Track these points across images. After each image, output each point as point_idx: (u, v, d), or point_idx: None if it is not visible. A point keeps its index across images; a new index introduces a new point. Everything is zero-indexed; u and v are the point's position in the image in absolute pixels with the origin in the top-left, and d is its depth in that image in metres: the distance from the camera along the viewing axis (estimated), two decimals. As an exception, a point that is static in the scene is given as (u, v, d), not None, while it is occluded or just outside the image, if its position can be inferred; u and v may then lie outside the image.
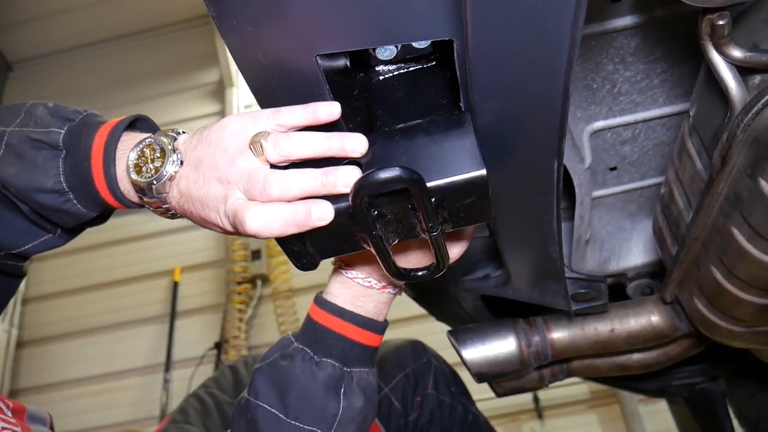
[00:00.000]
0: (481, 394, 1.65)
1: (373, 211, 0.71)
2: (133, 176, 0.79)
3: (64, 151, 0.83)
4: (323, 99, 0.73)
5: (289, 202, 0.71)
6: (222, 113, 5.92)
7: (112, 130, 0.83)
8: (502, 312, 1.39)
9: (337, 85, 0.73)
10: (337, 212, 0.70)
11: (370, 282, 0.91)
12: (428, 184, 0.68)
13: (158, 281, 5.23)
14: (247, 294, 5.01)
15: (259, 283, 5.09)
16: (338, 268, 0.94)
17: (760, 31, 0.67)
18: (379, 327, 0.96)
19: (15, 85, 6.56)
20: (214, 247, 5.37)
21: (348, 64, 0.78)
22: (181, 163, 0.78)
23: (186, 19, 6.31)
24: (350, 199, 0.68)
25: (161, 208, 0.81)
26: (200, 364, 4.69)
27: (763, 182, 0.69)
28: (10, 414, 0.97)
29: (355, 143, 0.72)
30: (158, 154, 0.78)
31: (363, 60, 0.81)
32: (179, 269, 5.26)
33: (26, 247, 0.93)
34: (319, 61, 0.67)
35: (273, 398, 0.89)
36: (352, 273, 0.91)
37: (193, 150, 0.77)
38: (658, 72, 0.96)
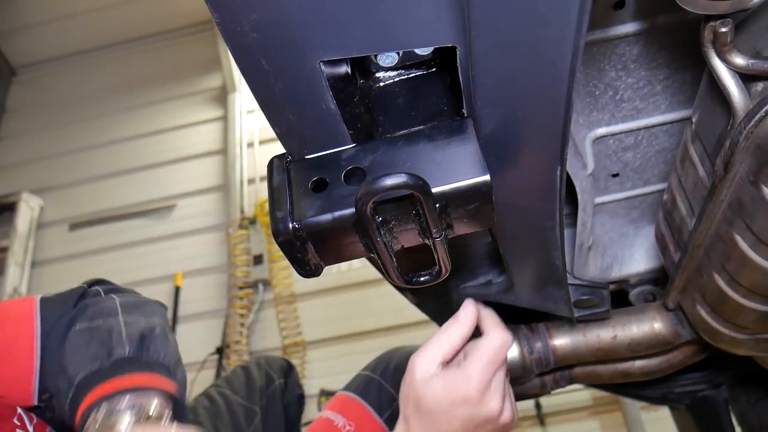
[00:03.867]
0: (482, 400, 1.64)
1: (378, 217, 0.71)
2: None
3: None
4: (326, 105, 0.73)
5: None
6: (224, 118, 5.94)
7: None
8: (504, 318, 1.38)
9: (339, 92, 0.73)
10: (342, 218, 0.71)
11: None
12: (433, 190, 0.68)
13: (160, 286, 5.23)
14: (248, 299, 5.01)
15: (260, 288, 5.09)
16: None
17: (763, 38, 0.67)
18: None
19: (19, 89, 6.59)
20: (216, 252, 5.37)
21: (349, 70, 0.78)
22: None
23: (189, 24, 6.33)
24: (355, 205, 0.68)
25: None
26: (202, 369, 4.68)
27: (765, 189, 0.69)
28: (32, 429, 0.98)
29: None
30: None
31: (364, 66, 0.81)
32: (181, 274, 5.26)
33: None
34: (322, 68, 0.67)
35: None
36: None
37: None
38: (661, 79, 0.96)
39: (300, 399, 1.87)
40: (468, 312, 0.96)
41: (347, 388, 1.53)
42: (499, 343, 0.95)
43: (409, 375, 0.96)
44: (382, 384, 1.49)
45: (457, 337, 0.95)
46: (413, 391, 0.94)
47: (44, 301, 1.06)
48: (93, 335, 1.02)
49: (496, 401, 0.90)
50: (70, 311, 1.06)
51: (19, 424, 0.96)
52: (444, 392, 0.89)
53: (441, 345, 0.95)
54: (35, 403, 1.01)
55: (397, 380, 1.50)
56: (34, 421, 1.00)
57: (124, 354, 1.00)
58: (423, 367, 0.94)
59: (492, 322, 0.99)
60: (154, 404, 0.94)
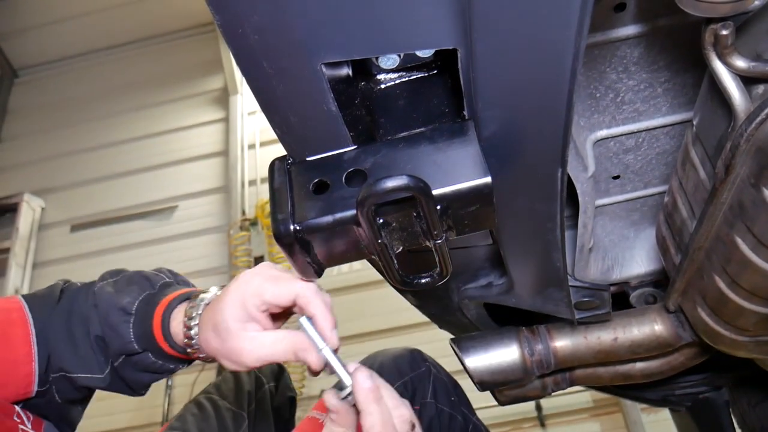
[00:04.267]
0: (483, 402, 1.64)
1: (378, 219, 0.71)
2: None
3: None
4: (328, 107, 0.73)
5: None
6: (226, 120, 5.95)
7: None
8: (504, 320, 1.38)
9: (340, 94, 0.73)
10: (343, 220, 0.71)
11: None
12: (434, 192, 0.68)
13: (161, 287, 5.22)
14: (249, 300, 4.98)
15: (261, 289, 5.07)
16: None
17: (764, 40, 0.67)
18: None
19: (21, 91, 6.60)
20: (218, 253, 5.38)
21: (350, 72, 0.78)
22: None
23: (191, 26, 6.34)
24: (356, 207, 0.68)
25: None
26: (202, 370, 4.68)
27: (766, 192, 0.69)
28: (29, 425, 1.01)
29: None
30: None
31: (366, 68, 0.82)
32: (182, 275, 5.25)
33: (78, 374, 1.06)
34: (324, 70, 0.68)
35: None
36: None
37: None
38: (662, 81, 0.96)
39: (291, 401, 1.88)
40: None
41: (334, 388, 1.54)
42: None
43: None
44: None
45: None
46: None
47: (24, 296, 1.13)
48: (125, 282, 1.11)
49: None
50: (55, 299, 1.11)
51: (18, 421, 0.99)
52: None
53: None
54: (35, 387, 1.04)
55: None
56: (31, 418, 1.03)
57: (166, 280, 1.13)
58: None
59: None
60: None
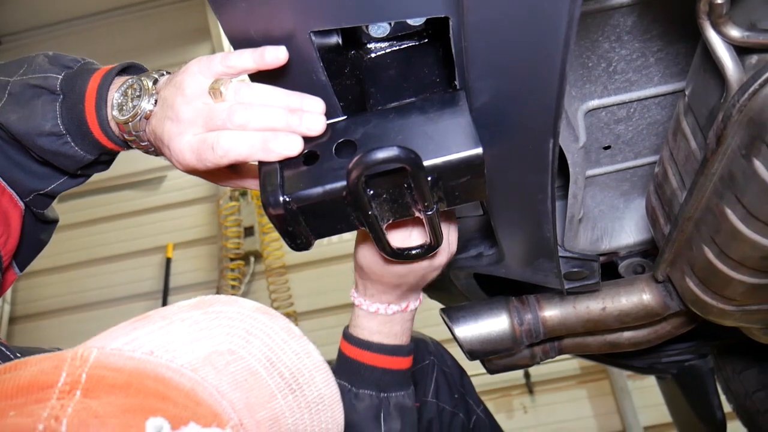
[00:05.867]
0: (472, 370, 1.66)
1: (369, 191, 0.71)
2: (115, 114, 0.83)
3: (61, 96, 0.87)
4: (317, 76, 0.72)
5: None
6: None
7: (105, 75, 0.87)
8: (494, 290, 1.39)
9: (330, 63, 0.72)
10: (332, 192, 0.70)
11: (393, 309, 0.99)
12: (424, 163, 0.67)
13: (151, 257, 5.23)
14: (240, 270, 5.01)
15: (252, 259, 5.09)
16: (359, 305, 1.01)
17: (758, 10, 0.66)
18: (406, 350, 1.06)
19: (4, 58, 6.44)
20: (207, 223, 5.36)
21: (340, 41, 0.77)
22: (156, 102, 0.81)
23: (177, -8, 6.22)
24: (346, 178, 0.68)
25: (142, 145, 0.86)
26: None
27: (757, 163, 0.69)
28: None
29: (313, 104, 0.74)
30: (137, 94, 0.82)
31: (356, 37, 0.80)
32: (172, 246, 5.25)
33: (51, 187, 0.96)
34: (313, 38, 0.66)
35: None
36: (374, 306, 0.99)
37: (163, 89, 0.81)
38: (654, 51, 0.95)
39: None
40: None
41: None
42: None
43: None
44: None
45: None
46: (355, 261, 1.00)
47: None
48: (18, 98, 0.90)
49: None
50: None
51: None
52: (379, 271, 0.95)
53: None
54: None
55: None
56: None
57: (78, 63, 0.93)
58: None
59: None
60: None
